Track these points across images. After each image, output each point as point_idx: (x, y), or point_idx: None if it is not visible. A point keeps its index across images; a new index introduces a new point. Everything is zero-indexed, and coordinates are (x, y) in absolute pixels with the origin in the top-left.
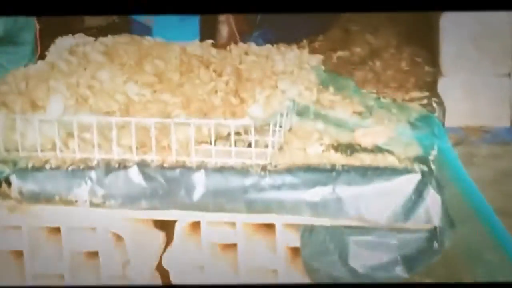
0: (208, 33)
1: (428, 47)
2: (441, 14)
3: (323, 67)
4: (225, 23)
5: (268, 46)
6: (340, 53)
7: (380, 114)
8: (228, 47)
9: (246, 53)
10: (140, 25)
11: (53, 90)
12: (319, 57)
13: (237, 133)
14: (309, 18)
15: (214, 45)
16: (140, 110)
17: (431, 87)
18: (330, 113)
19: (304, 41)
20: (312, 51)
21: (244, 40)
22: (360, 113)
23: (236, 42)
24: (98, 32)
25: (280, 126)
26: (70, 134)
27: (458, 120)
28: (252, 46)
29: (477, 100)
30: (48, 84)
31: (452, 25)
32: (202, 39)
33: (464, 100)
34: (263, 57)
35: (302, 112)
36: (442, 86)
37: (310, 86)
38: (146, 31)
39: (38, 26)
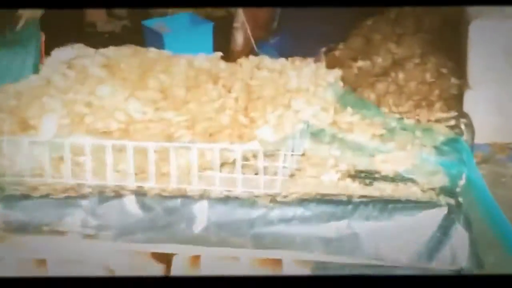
0: (222, 40)
1: (454, 58)
2: (470, 22)
3: (341, 83)
4: (240, 30)
5: (282, 60)
6: (360, 63)
7: (402, 137)
8: (238, 61)
9: (258, 68)
10: (152, 32)
11: (46, 108)
12: (337, 73)
13: (245, 158)
14: (329, 25)
15: (225, 57)
16: (141, 130)
17: (457, 100)
18: (347, 136)
19: (322, 54)
20: (332, 60)
21: (259, 47)
22: (380, 136)
23: (251, 50)
24: (109, 38)
25: (292, 151)
26: (62, 158)
27: (485, 137)
28: (265, 59)
29: (506, 115)
30: (42, 101)
31: (481, 35)
32: (216, 46)
33: (492, 114)
34: (276, 72)
35: (316, 135)
36: (469, 99)
37: (326, 105)
38: (158, 38)
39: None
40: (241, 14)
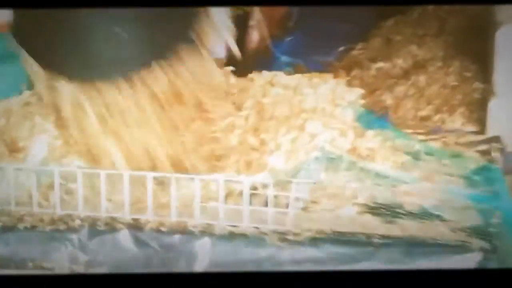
0: (237, 38)
1: (479, 61)
2: (499, 27)
3: (362, 101)
4: (256, 28)
5: (298, 76)
6: (380, 64)
7: (428, 165)
8: (249, 76)
9: (271, 84)
10: None
11: (38, 128)
12: (357, 92)
13: (253, 187)
14: (347, 24)
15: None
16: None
17: (481, 105)
18: (367, 164)
19: (342, 72)
20: (350, 60)
21: (275, 46)
22: (403, 164)
23: (267, 49)
24: None
25: (306, 180)
26: (52, 185)
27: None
28: (279, 75)
29: None
30: (34, 120)
31: (510, 38)
32: None
33: None
34: (290, 89)
35: (333, 163)
36: (495, 106)
37: (344, 128)
38: None
39: None
40: (257, 12)
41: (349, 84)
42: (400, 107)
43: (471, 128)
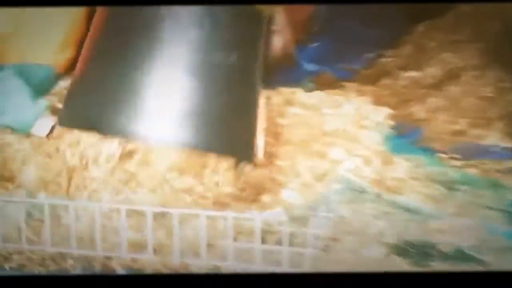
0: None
1: None
2: None
3: (390, 122)
4: (280, 33)
5: (319, 93)
6: (411, 72)
7: (464, 196)
8: (264, 92)
9: (289, 102)
10: None
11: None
12: (384, 111)
13: (266, 223)
14: (376, 29)
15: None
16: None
17: None
18: (395, 197)
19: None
20: (379, 68)
21: (299, 53)
22: (436, 197)
23: (291, 55)
24: None
25: (327, 215)
26: (42, 220)
27: None
28: (297, 92)
29: None
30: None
31: None
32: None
33: None
34: (310, 109)
35: (357, 196)
36: None
37: (370, 155)
38: None
39: None
40: (280, 16)
41: (378, 95)
42: (432, 120)
43: (510, 144)
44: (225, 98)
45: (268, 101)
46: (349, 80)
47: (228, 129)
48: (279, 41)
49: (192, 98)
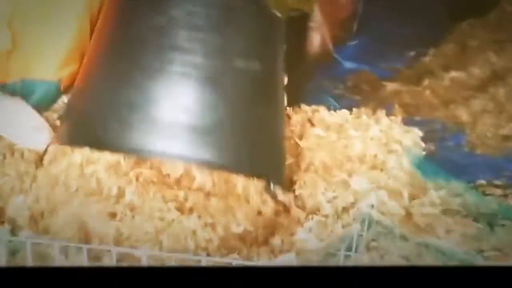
0: (295, 40)
1: None
2: None
3: (422, 144)
4: (316, 30)
5: (344, 112)
6: (454, 73)
7: (507, 235)
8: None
9: (311, 122)
10: None
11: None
12: (416, 134)
13: None
14: (417, 27)
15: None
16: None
17: None
18: (427, 239)
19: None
20: (421, 68)
21: (337, 51)
22: (476, 237)
23: (328, 53)
24: None
25: (344, 266)
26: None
27: None
28: (321, 111)
29: None
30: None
31: None
32: (288, 46)
33: None
34: (334, 130)
35: (382, 237)
36: None
37: (398, 187)
38: None
39: None
40: (317, 12)
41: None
42: (477, 124)
43: None
44: (249, 109)
45: (288, 120)
46: (389, 80)
47: (253, 145)
48: (315, 38)
49: (210, 110)
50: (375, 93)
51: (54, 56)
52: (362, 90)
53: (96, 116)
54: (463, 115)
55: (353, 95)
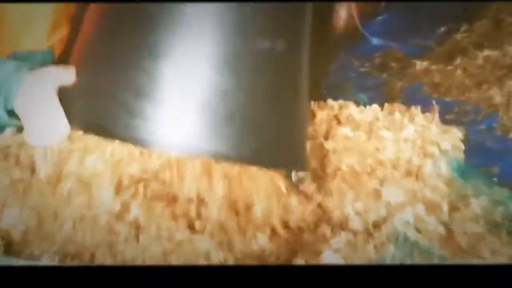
0: (321, 13)
1: None
2: None
3: (462, 146)
4: (344, 4)
5: (375, 107)
6: (488, 52)
7: None
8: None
9: (338, 120)
10: None
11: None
12: (456, 134)
13: None
14: (448, 2)
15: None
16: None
17: None
18: (471, 261)
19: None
20: (453, 45)
21: (365, 27)
22: None
23: (355, 29)
24: None
25: None
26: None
27: None
28: (350, 107)
29: None
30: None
31: None
32: (315, 23)
33: None
34: (363, 130)
35: (420, 260)
36: None
37: (436, 199)
38: None
39: None
40: None
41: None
42: (511, 106)
43: None
44: (270, 95)
45: (315, 119)
46: (419, 58)
47: (275, 135)
48: (342, 12)
49: (225, 97)
50: (404, 71)
51: (42, 23)
52: (390, 68)
53: (97, 101)
54: (497, 96)
55: (381, 74)
